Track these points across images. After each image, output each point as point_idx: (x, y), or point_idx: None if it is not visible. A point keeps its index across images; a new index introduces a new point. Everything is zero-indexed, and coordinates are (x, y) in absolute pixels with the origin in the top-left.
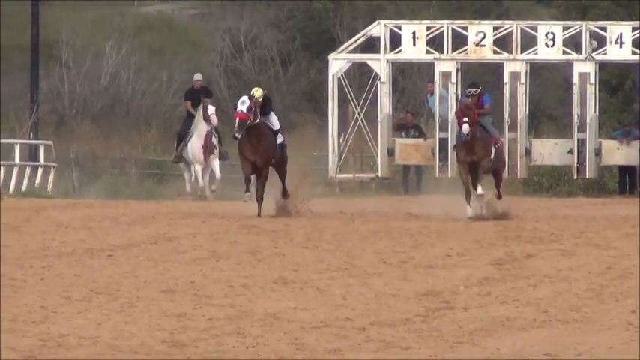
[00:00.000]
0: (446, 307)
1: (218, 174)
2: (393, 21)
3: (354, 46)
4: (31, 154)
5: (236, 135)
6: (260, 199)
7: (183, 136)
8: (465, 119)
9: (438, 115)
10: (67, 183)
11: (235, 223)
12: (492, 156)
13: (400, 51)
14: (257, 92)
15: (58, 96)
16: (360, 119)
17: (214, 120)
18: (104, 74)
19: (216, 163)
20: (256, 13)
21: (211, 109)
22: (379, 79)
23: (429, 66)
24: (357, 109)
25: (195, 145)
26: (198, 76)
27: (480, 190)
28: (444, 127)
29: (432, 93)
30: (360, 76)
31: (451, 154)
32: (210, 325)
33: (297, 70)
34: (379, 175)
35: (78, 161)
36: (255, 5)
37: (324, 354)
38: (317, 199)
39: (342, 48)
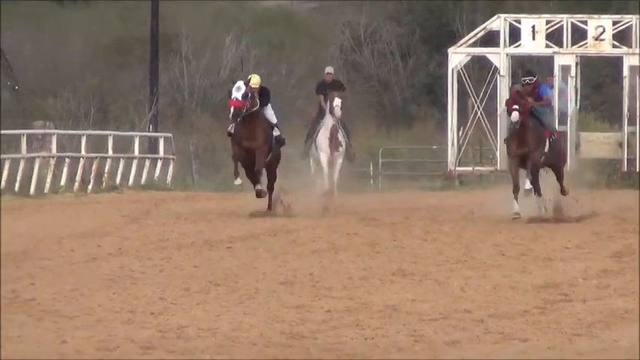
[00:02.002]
0: (564, 300)
1: (336, 175)
2: (512, 15)
3: (474, 39)
4: (151, 146)
5: (230, 128)
6: (257, 180)
7: (312, 133)
8: (516, 107)
9: (557, 108)
10: (187, 175)
11: (354, 216)
12: (547, 149)
13: (519, 45)
14: (254, 79)
15: (178, 89)
16: (479, 112)
17: (337, 112)
18: (224, 67)
19: (338, 162)
20: (376, 6)
21: (336, 102)
22: (498, 73)
23: (549, 60)
24: (476, 103)
25: (321, 136)
26: (329, 69)
27: (528, 185)
28: (563, 121)
29: (552, 87)
30: (480, 69)
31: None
32: (329, 317)
33: (416, 64)
34: (498, 168)
35: (197, 154)
36: None
37: (442, 346)
38: (435, 192)
39: (461, 42)
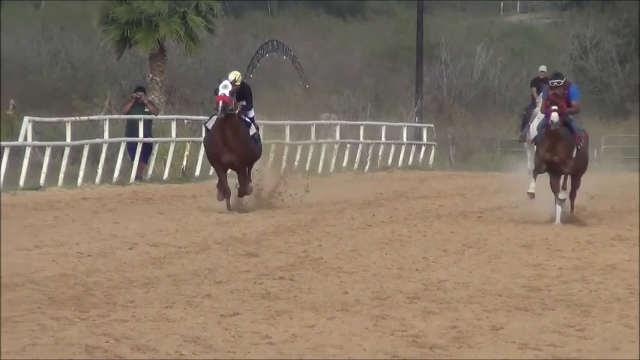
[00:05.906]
0: None
1: None
2: None
3: None
4: (416, 134)
5: (208, 122)
6: (229, 194)
7: (527, 119)
8: (554, 107)
9: None
10: (445, 159)
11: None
12: (574, 156)
13: None
14: (234, 75)
15: (438, 88)
16: None
17: None
18: (475, 71)
19: None
20: (599, 22)
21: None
22: None
23: None
24: None
25: (535, 126)
26: (542, 68)
27: (562, 195)
28: None
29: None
30: None
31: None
32: (560, 274)
33: (632, 69)
34: None
35: (454, 141)
36: (599, 15)
37: None
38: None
39: None
